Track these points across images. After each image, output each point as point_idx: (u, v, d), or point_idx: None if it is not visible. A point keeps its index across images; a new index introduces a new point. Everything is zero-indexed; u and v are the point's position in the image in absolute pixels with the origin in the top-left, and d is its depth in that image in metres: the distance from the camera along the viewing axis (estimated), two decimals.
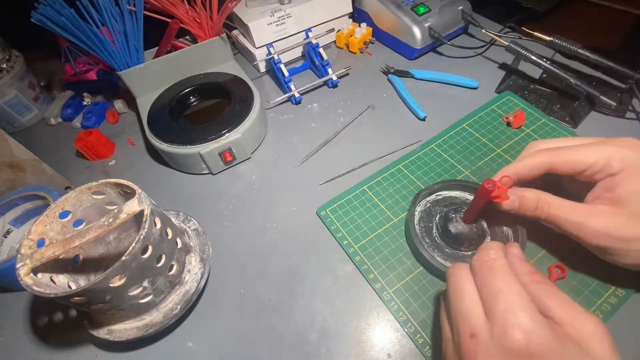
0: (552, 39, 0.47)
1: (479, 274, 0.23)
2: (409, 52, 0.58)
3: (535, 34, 0.48)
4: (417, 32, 0.55)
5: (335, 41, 0.65)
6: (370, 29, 0.62)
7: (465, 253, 0.34)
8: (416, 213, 0.37)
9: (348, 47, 0.63)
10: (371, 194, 0.41)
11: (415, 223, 0.37)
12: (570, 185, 0.32)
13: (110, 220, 0.28)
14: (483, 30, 0.53)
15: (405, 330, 0.32)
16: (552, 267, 0.33)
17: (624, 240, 0.26)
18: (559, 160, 0.29)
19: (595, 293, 0.31)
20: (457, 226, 0.34)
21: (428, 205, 0.38)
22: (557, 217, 0.28)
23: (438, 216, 0.37)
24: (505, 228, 0.35)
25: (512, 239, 0.34)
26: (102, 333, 0.31)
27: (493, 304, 0.21)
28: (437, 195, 0.39)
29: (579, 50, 0.46)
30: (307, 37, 0.57)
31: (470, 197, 0.38)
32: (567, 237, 0.29)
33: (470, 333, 0.21)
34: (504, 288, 0.21)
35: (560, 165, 0.29)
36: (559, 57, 0.50)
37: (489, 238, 0.35)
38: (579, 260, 0.33)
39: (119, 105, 0.58)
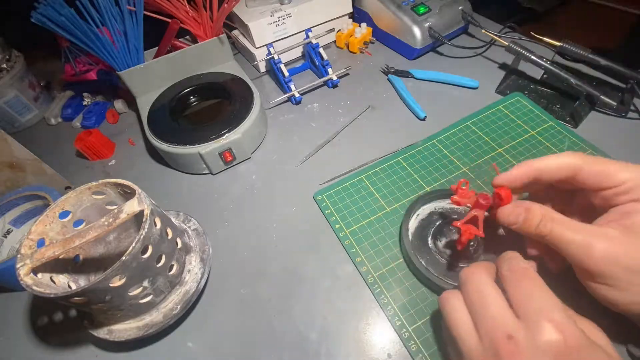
0: (562, 44, 0.46)
1: (510, 279, 0.23)
2: (409, 52, 0.58)
3: (545, 39, 0.48)
4: (417, 32, 0.55)
5: (335, 41, 0.65)
6: (370, 28, 0.62)
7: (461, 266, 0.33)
8: (410, 225, 0.37)
9: (348, 47, 0.63)
10: (368, 183, 0.42)
11: (410, 234, 0.36)
12: (576, 207, 0.29)
13: (110, 220, 0.28)
14: (483, 31, 0.53)
15: (385, 312, 0.32)
16: None
17: (631, 271, 0.23)
18: (589, 167, 0.25)
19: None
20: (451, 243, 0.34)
21: (424, 216, 0.37)
22: (561, 235, 0.24)
23: (433, 229, 0.36)
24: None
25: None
26: (102, 333, 0.31)
27: (527, 305, 0.22)
28: (432, 205, 0.38)
29: (589, 56, 0.45)
30: (307, 37, 0.57)
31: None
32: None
33: (507, 335, 0.21)
34: (536, 290, 0.22)
35: (589, 173, 0.25)
36: (558, 57, 0.50)
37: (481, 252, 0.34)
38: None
39: (119, 105, 0.58)
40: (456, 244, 0.31)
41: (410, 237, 0.36)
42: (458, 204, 0.30)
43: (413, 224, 0.37)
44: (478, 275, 0.24)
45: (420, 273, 0.33)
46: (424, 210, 0.38)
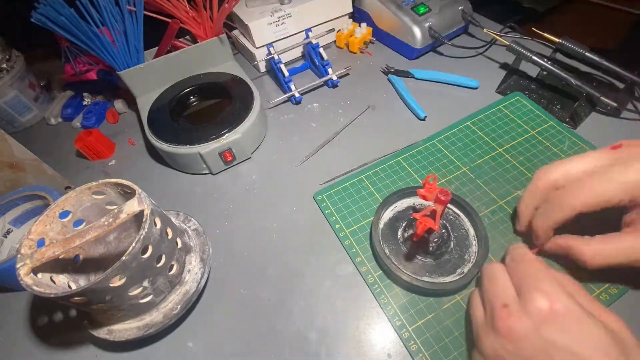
0: (561, 40, 0.46)
1: (511, 265, 0.27)
2: (409, 52, 0.58)
3: (545, 35, 0.48)
4: (417, 32, 0.55)
5: (335, 41, 0.65)
6: (371, 28, 0.62)
7: (429, 261, 0.34)
8: (384, 215, 0.37)
9: (348, 47, 0.63)
10: (368, 183, 0.42)
11: (383, 223, 0.37)
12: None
13: (110, 220, 0.28)
14: (485, 30, 0.53)
15: (385, 312, 0.32)
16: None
17: None
18: (583, 205, 0.27)
19: (587, 289, 0.31)
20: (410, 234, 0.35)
21: (401, 209, 0.38)
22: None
23: (405, 222, 0.37)
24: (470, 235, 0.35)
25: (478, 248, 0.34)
26: (102, 333, 0.31)
27: (524, 283, 0.24)
28: (410, 200, 0.39)
29: (587, 54, 0.45)
30: (307, 37, 0.57)
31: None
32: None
33: (503, 304, 0.24)
34: (533, 270, 0.25)
35: (588, 207, 0.27)
36: (559, 57, 0.50)
37: (453, 243, 0.35)
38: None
39: (119, 105, 0.58)
40: (414, 235, 0.33)
41: (381, 226, 0.37)
42: (424, 197, 0.30)
43: (388, 214, 0.38)
44: (491, 266, 0.28)
45: (380, 259, 0.34)
46: (402, 204, 0.39)
